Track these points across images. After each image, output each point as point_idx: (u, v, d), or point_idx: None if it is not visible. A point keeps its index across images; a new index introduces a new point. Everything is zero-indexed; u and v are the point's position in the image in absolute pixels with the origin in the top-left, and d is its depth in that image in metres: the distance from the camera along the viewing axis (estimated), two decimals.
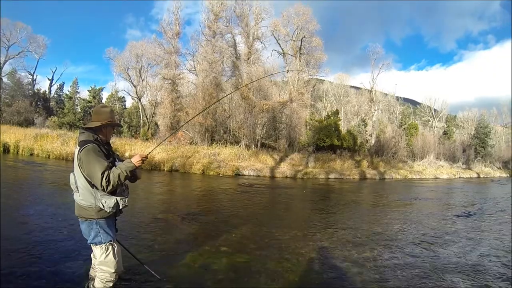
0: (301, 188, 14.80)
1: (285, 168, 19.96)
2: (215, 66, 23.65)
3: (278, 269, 3.86)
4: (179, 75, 26.17)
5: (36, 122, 30.05)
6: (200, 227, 5.73)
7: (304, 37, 26.48)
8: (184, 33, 40.89)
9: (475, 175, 28.92)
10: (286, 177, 18.85)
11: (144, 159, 2.59)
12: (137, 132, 30.42)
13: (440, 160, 30.54)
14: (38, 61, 35.13)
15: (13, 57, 32.70)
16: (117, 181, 2.44)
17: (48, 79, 37.20)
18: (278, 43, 28.00)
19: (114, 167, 2.49)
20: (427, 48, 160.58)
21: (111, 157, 2.66)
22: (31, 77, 35.07)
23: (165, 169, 17.43)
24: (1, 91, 30.98)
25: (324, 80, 36.32)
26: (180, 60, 27.34)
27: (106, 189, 2.42)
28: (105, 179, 2.38)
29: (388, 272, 3.95)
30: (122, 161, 2.70)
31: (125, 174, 2.46)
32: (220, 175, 17.45)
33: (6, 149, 18.27)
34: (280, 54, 28.33)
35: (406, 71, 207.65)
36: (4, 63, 32.35)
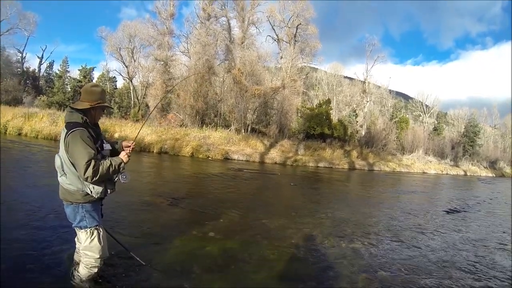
0: (291, 175, 14.80)
1: (274, 154, 20.03)
2: (208, 49, 23.36)
3: (266, 257, 3.85)
4: (171, 56, 25.82)
5: (25, 101, 29.44)
6: (187, 212, 5.66)
7: (300, 24, 26.18)
8: (179, 15, 40.07)
9: (462, 173, 29.43)
10: (276, 163, 18.95)
11: (129, 155, 2.60)
12: (128, 113, 30.08)
13: (429, 155, 30.95)
14: (28, 39, 34.23)
15: (2, 34, 31.42)
16: (105, 173, 2.39)
17: (38, 57, 36.32)
18: (273, 29, 27.74)
19: (104, 160, 2.44)
20: (425, 44, 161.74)
21: (99, 140, 2.57)
22: (20, 55, 34.28)
23: (155, 151, 17.32)
24: None
25: (317, 68, 36.28)
26: (173, 41, 27.00)
27: (91, 179, 2.33)
28: (92, 168, 2.30)
29: (376, 263, 4.00)
30: (110, 143, 2.69)
31: (114, 169, 2.44)
32: (210, 158, 17.46)
33: None
34: (275, 40, 28.09)
35: (403, 65, 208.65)
36: None
